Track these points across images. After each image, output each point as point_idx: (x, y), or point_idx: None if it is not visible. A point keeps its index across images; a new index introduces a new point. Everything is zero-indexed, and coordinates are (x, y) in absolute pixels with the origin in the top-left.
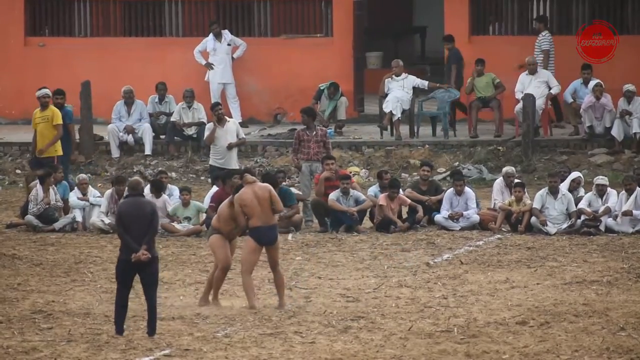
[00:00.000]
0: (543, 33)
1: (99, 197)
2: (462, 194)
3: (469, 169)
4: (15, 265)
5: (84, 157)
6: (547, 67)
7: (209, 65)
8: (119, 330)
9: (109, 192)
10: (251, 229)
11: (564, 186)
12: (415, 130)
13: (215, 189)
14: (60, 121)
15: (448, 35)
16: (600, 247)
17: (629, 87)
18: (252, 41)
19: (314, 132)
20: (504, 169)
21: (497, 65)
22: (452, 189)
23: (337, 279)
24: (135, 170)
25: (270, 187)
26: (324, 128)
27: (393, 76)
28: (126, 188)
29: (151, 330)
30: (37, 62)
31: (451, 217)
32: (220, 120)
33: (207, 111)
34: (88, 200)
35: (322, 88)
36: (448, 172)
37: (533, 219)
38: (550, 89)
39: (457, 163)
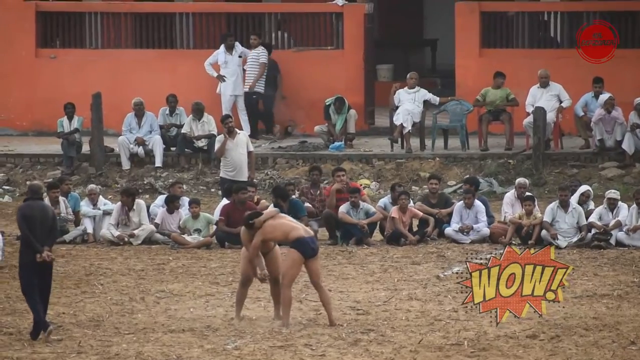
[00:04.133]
0: (258, 48)
1: (109, 205)
2: (471, 206)
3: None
4: None
5: (95, 168)
6: (259, 79)
7: (221, 78)
8: (44, 326)
9: (118, 204)
10: (295, 241)
11: (573, 199)
12: (431, 143)
13: (225, 201)
14: None
15: (267, 43)
16: (611, 261)
17: None
18: None
19: (318, 192)
20: (517, 180)
21: (508, 79)
22: (462, 201)
23: (347, 291)
24: (145, 182)
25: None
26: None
27: (406, 87)
28: (28, 191)
29: (35, 334)
30: (48, 74)
31: (461, 230)
32: (230, 133)
33: (218, 123)
34: (100, 209)
35: (327, 104)
36: (458, 185)
37: (543, 232)
38: (561, 102)
39: (468, 176)
